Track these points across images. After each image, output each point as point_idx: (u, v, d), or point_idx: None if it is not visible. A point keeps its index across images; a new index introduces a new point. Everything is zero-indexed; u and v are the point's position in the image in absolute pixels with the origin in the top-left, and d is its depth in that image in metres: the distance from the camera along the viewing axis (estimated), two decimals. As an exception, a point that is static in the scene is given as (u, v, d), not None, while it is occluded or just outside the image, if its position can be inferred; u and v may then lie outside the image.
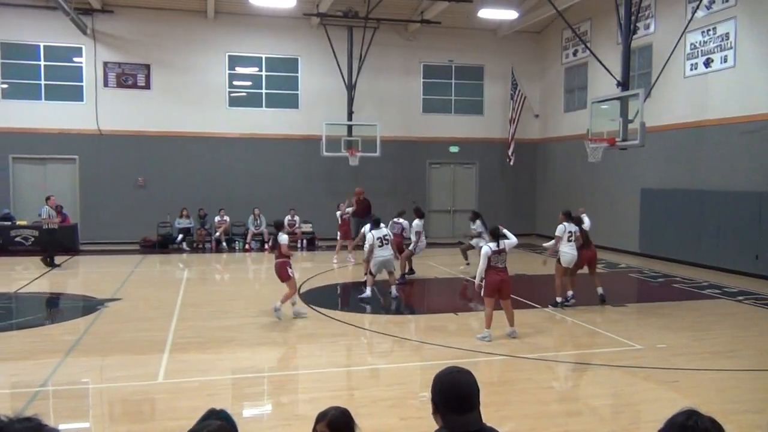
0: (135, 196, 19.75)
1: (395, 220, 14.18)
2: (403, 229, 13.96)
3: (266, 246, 10.30)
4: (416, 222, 13.86)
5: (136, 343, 8.54)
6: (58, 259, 15.57)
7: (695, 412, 2.03)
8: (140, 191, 19.89)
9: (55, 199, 16.01)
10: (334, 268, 15.90)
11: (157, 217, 19.50)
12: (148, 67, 19.90)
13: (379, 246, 11.61)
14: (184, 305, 11.08)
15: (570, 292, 11.07)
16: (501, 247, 8.82)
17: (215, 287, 14.11)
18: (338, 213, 17.07)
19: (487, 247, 8.83)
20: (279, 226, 10.28)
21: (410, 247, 13.86)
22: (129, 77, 19.81)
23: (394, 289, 11.84)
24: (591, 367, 7.72)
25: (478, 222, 14.78)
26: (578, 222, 11.27)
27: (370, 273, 11.78)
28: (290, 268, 10.01)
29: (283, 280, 10.07)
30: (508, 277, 8.94)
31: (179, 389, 6.73)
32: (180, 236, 19.28)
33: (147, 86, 19.93)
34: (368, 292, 11.69)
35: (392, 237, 13.06)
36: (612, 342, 8.77)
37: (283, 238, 9.98)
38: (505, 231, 9.07)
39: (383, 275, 11.90)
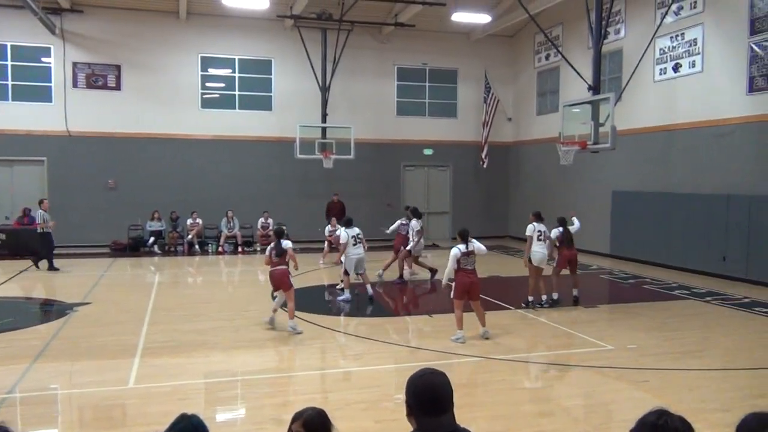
0: (105, 199, 19.46)
1: (403, 221, 14.27)
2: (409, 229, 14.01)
3: (268, 255, 9.66)
4: (413, 222, 13.84)
5: (106, 348, 8.41)
6: (25, 263, 15.32)
7: (666, 411, 2.06)
8: (110, 193, 19.61)
9: (48, 203, 15.74)
10: (321, 267, 16.18)
11: (127, 219, 19.24)
12: (118, 67, 19.64)
13: (353, 245, 11.65)
14: (155, 309, 10.95)
15: (555, 294, 11.30)
16: (470, 249, 8.79)
17: (187, 290, 13.96)
18: (328, 228, 16.85)
19: (456, 249, 8.76)
20: (280, 234, 9.69)
21: (407, 248, 13.77)
22: (99, 78, 19.53)
23: (369, 288, 11.91)
24: (563, 367, 7.80)
25: (414, 220, 14.67)
26: (563, 222, 11.47)
27: (346, 273, 11.79)
28: (290, 276, 9.53)
29: (285, 290, 9.45)
30: (477, 279, 8.95)
31: (150, 394, 6.64)
32: (151, 239, 19.04)
33: (117, 87, 19.66)
34: (347, 294, 11.70)
35: (395, 236, 13.95)
36: (584, 343, 8.87)
37: (288, 243, 9.50)
38: (473, 240, 9.02)
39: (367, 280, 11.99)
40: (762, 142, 13.32)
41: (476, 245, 8.90)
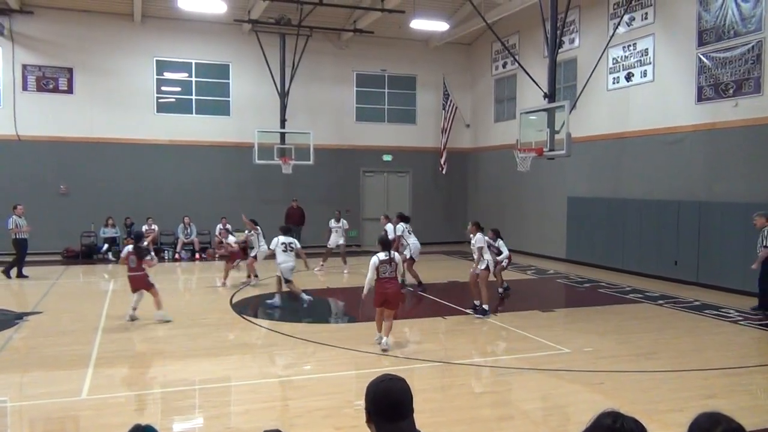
0: (57, 205, 18.95)
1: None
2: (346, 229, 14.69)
3: (125, 257, 10.31)
4: (399, 226, 13.69)
5: (58, 358, 8.18)
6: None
7: (619, 413, 2.09)
8: (62, 199, 19.11)
9: (22, 208, 15.19)
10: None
11: (80, 226, 18.78)
12: (70, 70, 19.18)
13: (283, 251, 11.50)
14: (109, 318, 10.70)
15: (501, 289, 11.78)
16: (390, 257, 8.63)
17: (142, 298, 13.65)
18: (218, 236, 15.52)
19: (375, 257, 8.61)
20: (139, 238, 10.52)
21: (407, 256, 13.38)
22: (50, 81, 19.04)
23: (303, 296, 11.70)
24: (521, 371, 7.89)
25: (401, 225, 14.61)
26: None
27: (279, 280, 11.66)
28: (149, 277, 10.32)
29: (148, 290, 10.22)
30: (397, 288, 8.75)
31: (105, 405, 6.48)
32: (105, 246, 18.63)
33: (69, 90, 19.19)
34: (277, 299, 11.56)
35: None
36: (541, 346, 8.99)
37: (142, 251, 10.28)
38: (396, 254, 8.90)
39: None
40: (710, 149, 13.75)
41: (397, 257, 8.82)
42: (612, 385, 7.27)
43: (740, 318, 10.77)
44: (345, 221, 16.96)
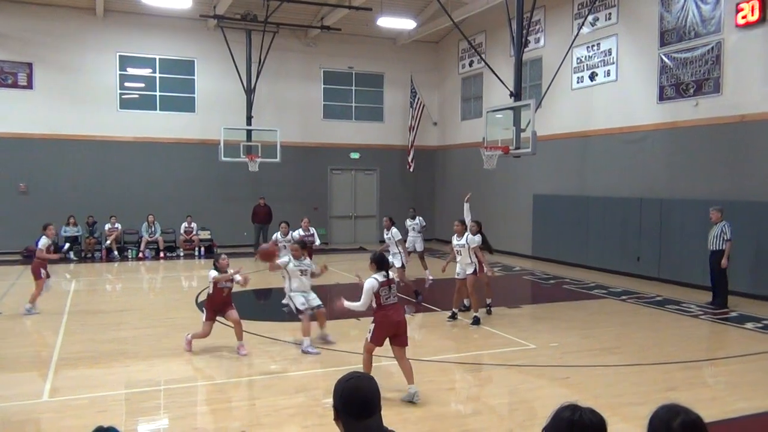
0: (16, 204, 18.49)
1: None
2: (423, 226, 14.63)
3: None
4: (394, 230, 12.56)
5: (18, 360, 7.99)
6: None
7: (577, 406, 2.15)
8: (22, 198, 18.65)
9: None
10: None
11: (41, 225, 18.24)
12: (30, 65, 18.71)
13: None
14: (71, 318, 10.49)
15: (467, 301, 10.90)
16: (390, 277, 6.84)
17: (106, 298, 13.43)
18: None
19: (372, 279, 6.71)
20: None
21: (398, 265, 12.03)
22: (8, 76, 18.55)
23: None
24: (488, 367, 7.97)
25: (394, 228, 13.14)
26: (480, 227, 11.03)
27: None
28: (44, 269, 10.95)
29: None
30: (404, 316, 6.93)
31: (67, 407, 6.35)
32: (66, 245, 18.24)
33: (29, 86, 18.72)
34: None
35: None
36: (508, 342, 9.09)
37: (44, 241, 11.23)
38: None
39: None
40: (671, 148, 14.05)
41: (393, 276, 7.05)
42: (577, 379, 7.39)
43: (700, 312, 11.04)
44: (421, 218, 15.04)
